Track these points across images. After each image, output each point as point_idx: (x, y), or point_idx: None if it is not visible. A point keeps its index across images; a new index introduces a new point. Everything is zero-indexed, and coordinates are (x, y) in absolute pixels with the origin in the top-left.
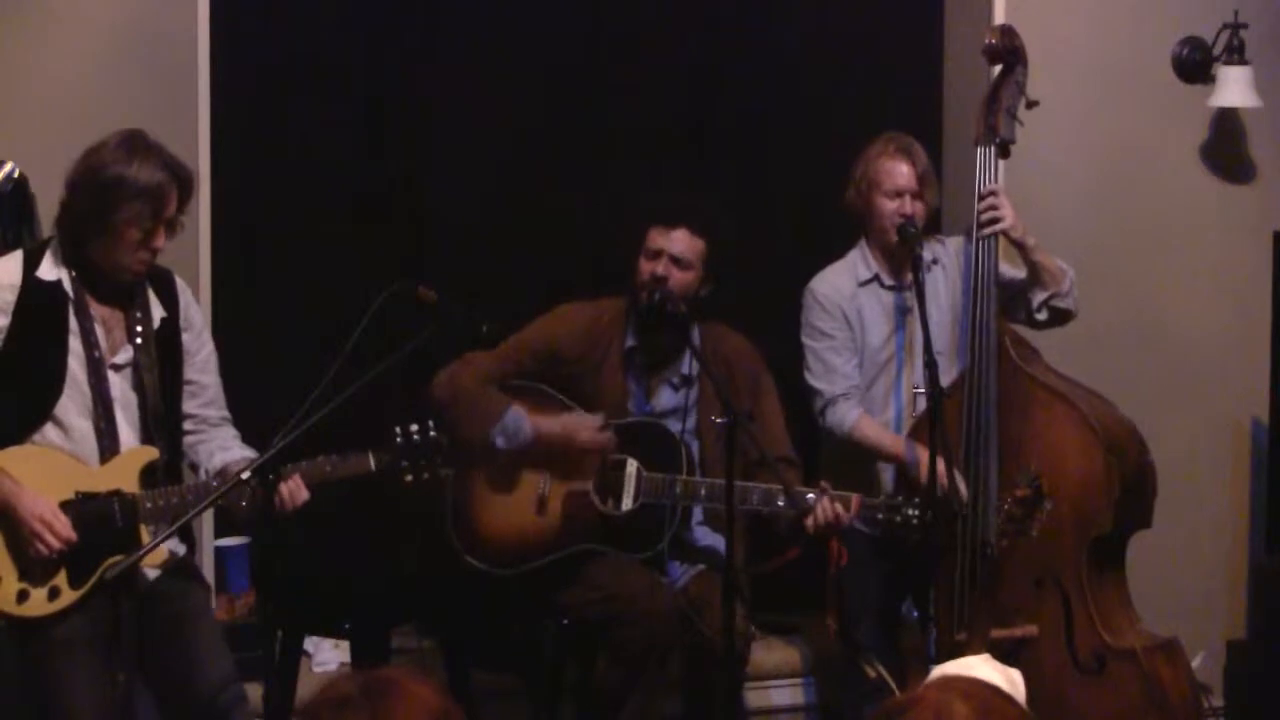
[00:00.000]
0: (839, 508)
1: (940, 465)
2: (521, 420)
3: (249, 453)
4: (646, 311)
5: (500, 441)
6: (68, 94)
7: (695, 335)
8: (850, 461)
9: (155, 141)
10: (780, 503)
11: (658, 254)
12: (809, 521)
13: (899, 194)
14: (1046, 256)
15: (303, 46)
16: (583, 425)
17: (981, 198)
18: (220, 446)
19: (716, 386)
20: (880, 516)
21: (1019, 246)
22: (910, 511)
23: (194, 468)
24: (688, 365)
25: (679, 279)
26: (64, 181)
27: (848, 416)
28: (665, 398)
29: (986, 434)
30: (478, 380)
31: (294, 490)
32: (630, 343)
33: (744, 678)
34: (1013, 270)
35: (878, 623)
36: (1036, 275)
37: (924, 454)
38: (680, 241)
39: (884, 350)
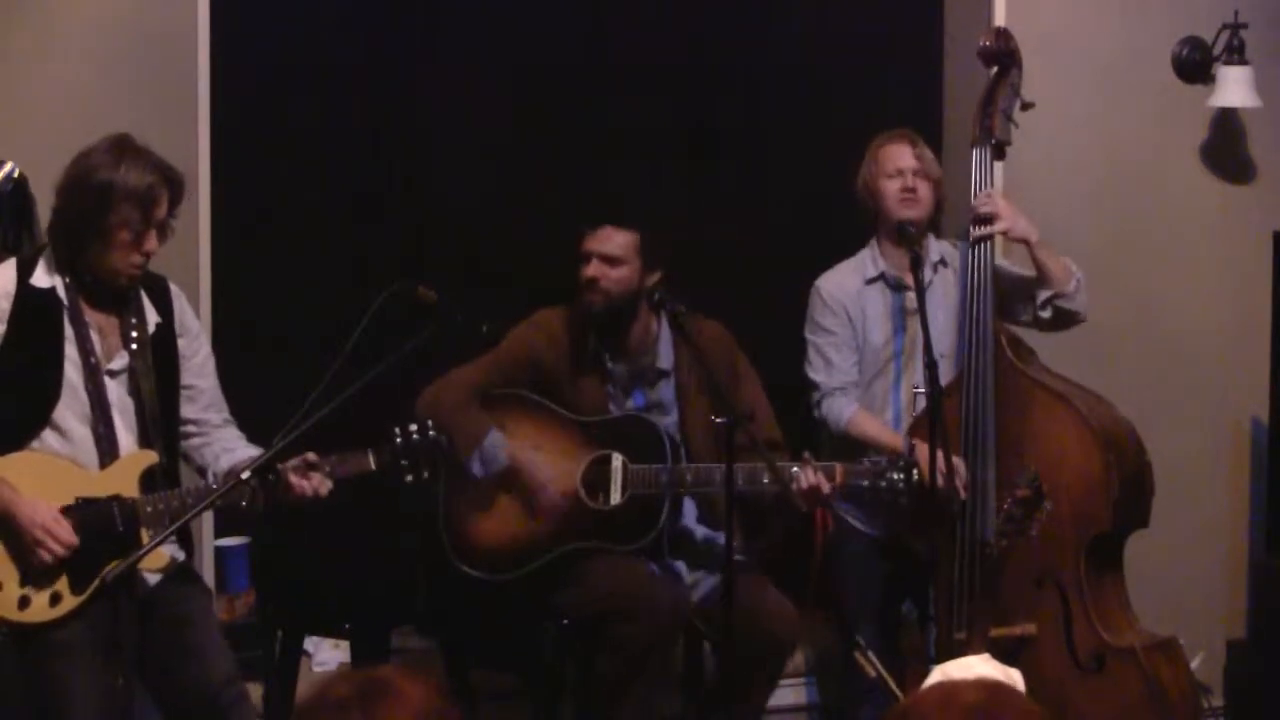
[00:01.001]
0: (821, 476)
1: (940, 459)
2: (498, 451)
3: (255, 451)
4: (590, 315)
5: (476, 468)
6: (68, 94)
7: (664, 329)
8: (851, 455)
9: (144, 145)
10: (765, 480)
11: (589, 257)
12: (794, 488)
13: (900, 172)
14: (1052, 256)
15: (303, 46)
16: (548, 488)
17: (976, 198)
18: (225, 448)
19: (703, 381)
20: (865, 483)
21: (1024, 243)
22: (895, 475)
23: (201, 471)
24: (664, 359)
25: (613, 277)
26: (54, 188)
27: (845, 410)
28: (643, 395)
29: (984, 434)
30: (461, 398)
31: (318, 484)
32: (592, 345)
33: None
34: (1019, 268)
35: (878, 623)
36: (1041, 274)
37: (921, 446)
38: (606, 239)
39: (885, 350)
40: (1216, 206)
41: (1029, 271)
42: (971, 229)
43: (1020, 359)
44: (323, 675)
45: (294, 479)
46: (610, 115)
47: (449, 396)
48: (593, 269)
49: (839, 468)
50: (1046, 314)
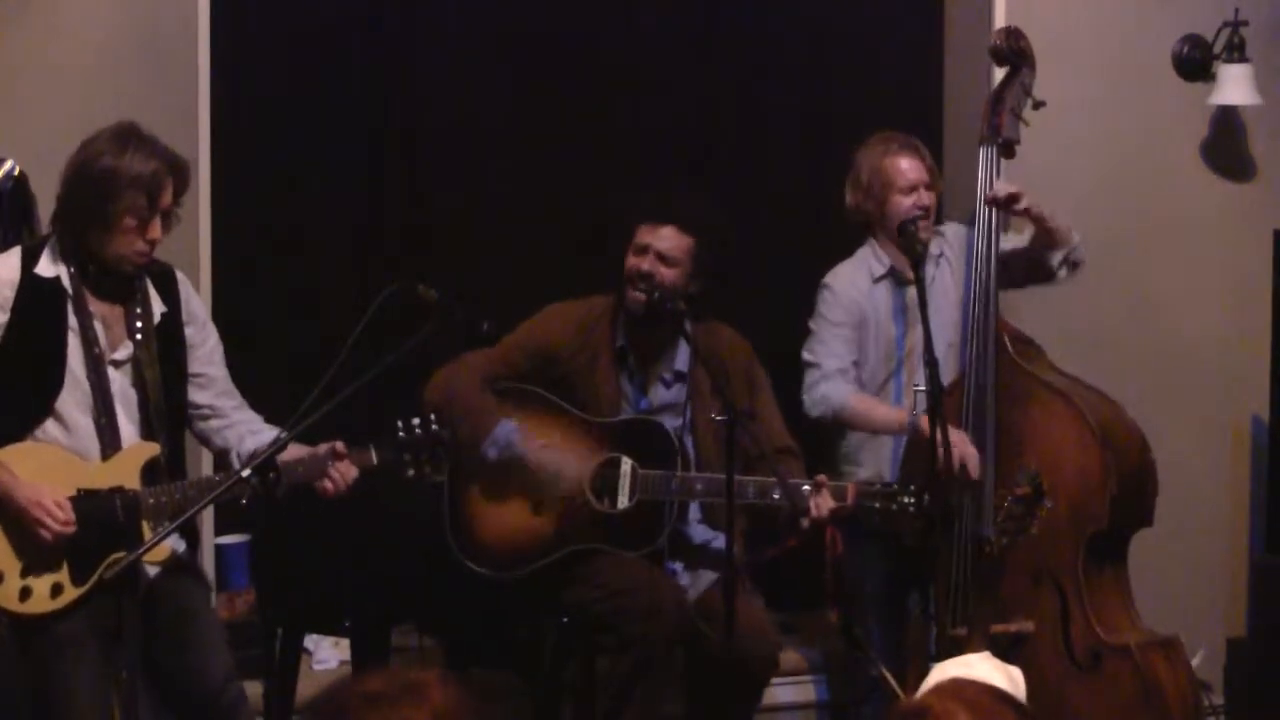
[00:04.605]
0: (833, 502)
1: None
2: (512, 435)
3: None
4: (640, 308)
5: (492, 453)
6: (68, 93)
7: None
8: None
9: (148, 133)
10: (775, 496)
11: (644, 250)
12: (804, 518)
13: (913, 189)
14: (1054, 220)
15: (303, 43)
16: (560, 479)
17: (988, 194)
18: (250, 430)
19: (715, 384)
20: (877, 505)
21: (1038, 220)
22: (906, 499)
23: (223, 453)
24: (680, 361)
25: (665, 275)
26: (60, 176)
27: (844, 391)
28: (659, 395)
29: (984, 431)
30: (472, 384)
31: (344, 471)
32: (620, 341)
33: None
34: (1014, 240)
35: (880, 619)
36: (1054, 238)
37: (925, 421)
38: (667, 239)
39: (898, 346)
40: (1217, 205)
41: (1020, 242)
42: (986, 212)
43: (1023, 356)
44: (324, 674)
45: (324, 483)
46: (610, 115)
47: (459, 381)
48: (648, 264)
49: (851, 488)
50: (1064, 272)
